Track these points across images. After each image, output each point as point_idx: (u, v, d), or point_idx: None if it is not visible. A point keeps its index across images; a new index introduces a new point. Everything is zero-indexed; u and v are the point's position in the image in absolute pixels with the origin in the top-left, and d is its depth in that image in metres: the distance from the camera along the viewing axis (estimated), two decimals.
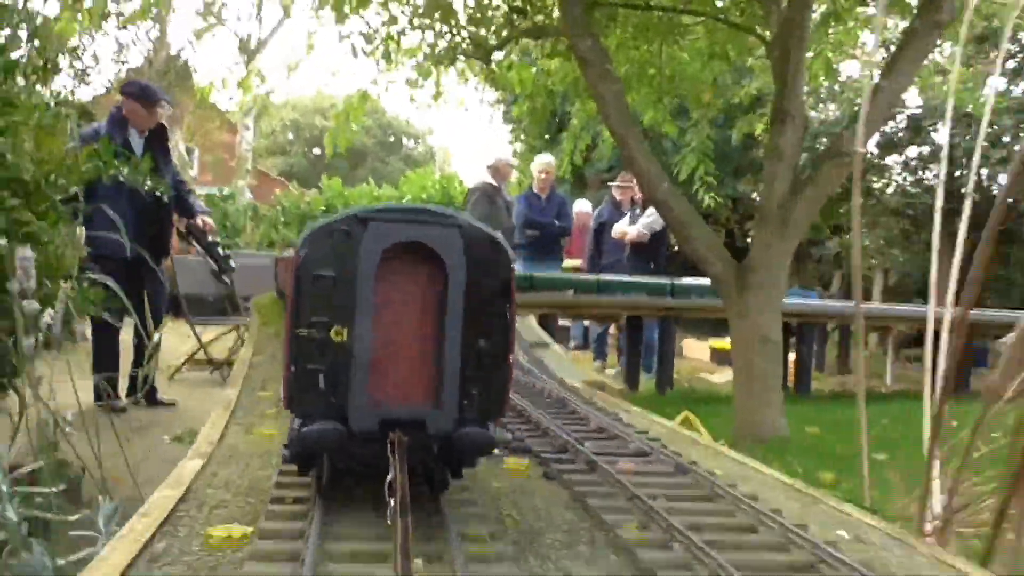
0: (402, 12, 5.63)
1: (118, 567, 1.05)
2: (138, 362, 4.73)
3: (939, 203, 1.88)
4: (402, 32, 5.72)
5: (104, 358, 4.63)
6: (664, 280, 7.43)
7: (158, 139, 5.09)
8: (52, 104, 2.87)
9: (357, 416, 1.17)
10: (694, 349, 11.55)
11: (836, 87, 11.81)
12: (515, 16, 5.61)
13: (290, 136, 41.61)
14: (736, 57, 6.20)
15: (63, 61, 2.90)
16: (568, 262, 9.18)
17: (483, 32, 5.77)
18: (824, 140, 13.15)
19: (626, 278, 7.38)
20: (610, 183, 9.31)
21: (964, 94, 6.85)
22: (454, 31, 5.66)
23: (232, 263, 5.66)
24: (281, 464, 1.48)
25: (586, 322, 9.41)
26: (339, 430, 1.16)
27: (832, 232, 15.50)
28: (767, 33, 5.01)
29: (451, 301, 1.19)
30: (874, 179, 14.87)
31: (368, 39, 5.68)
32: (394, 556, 0.96)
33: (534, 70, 6.27)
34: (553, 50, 5.98)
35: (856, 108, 5.06)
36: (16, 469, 1.76)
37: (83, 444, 2.47)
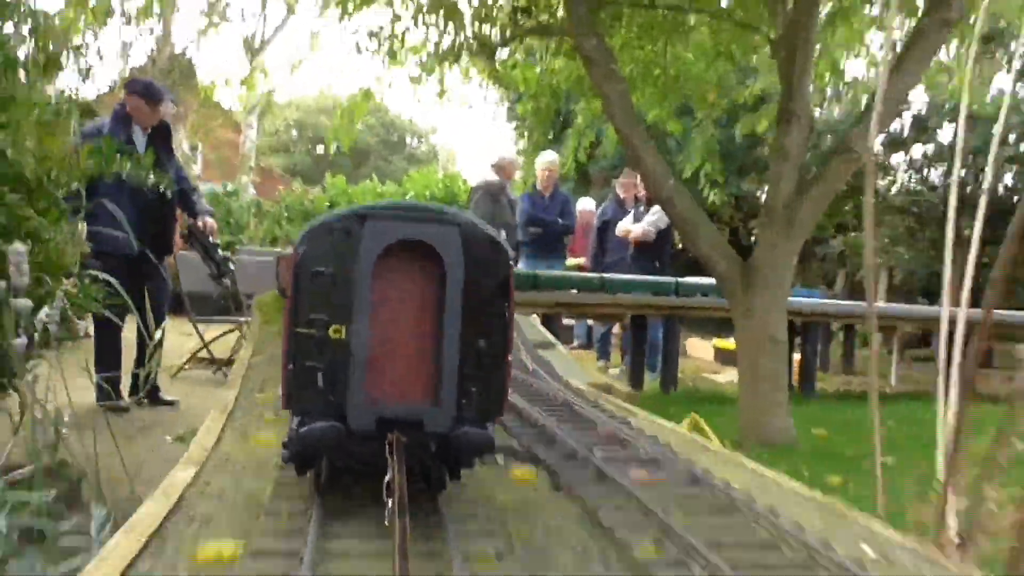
0: (406, 9, 5.61)
1: None
2: (140, 360, 4.70)
3: (953, 200, 1.85)
4: (406, 30, 5.70)
5: (106, 356, 4.61)
6: (669, 279, 7.40)
7: (161, 136, 5.07)
8: (54, 101, 2.86)
9: (355, 414, 1.16)
10: (698, 348, 11.51)
11: (841, 87, 11.76)
12: (520, 14, 5.58)
13: (294, 134, 41.61)
14: (741, 57, 6.17)
15: (67, 59, 2.88)
16: (571, 260, 9.16)
17: (488, 30, 5.74)
18: (828, 139, 13.13)
19: (630, 277, 7.34)
20: (614, 181, 9.28)
21: (972, 94, 6.80)
22: (458, 29, 5.63)
23: (231, 265, 5.63)
24: (277, 471, 1.44)
25: (590, 321, 9.37)
26: (337, 429, 1.16)
27: (836, 231, 15.46)
28: (772, 32, 4.97)
29: (449, 299, 1.19)
30: (879, 178, 14.82)
31: (372, 37, 5.66)
32: (393, 556, 0.96)
33: (538, 69, 6.25)
34: (558, 49, 5.96)
35: (863, 106, 5.01)
36: (13, 471, 1.74)
37: (83, 444, 2.44)
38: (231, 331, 6.59)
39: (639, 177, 7.44)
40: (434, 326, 1.20)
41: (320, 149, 36.29)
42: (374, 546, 1.14)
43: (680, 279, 7.50)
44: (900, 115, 13.26)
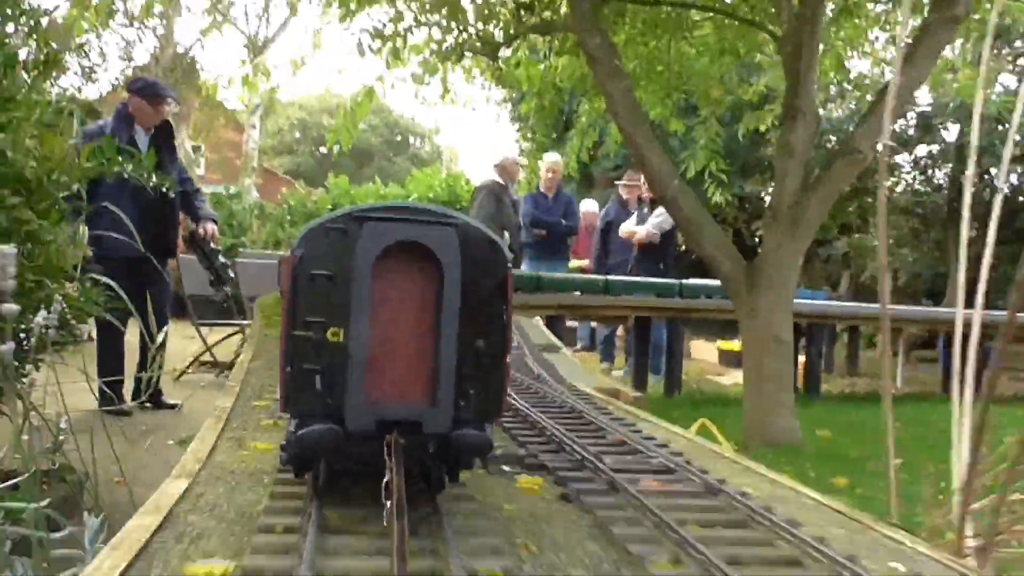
0: (408, 8, 5.58)
1: None
2: (143, 364, 4.68)
3: (967, 199, 1.80)
4: (409, 29, 5.67)
5: (108, 360, 4.59)
6: (673, 281, 7.36)
7: (164, 136, 5.05)
8: (55, 101, 2.83)
9: (353, 416, 1.16)
10: (702, 350, 11.49)
11: (846, 84, 11.72)
12: (523, 12, 5.56)
13: (297, 135, 41.68)
14: (746, 54, 6.15)
15: (70, 59, 2.86)
16: (574, 262, 9.13)
17: (491, 28, 5.72)
18: (832, 138, 13.09)
19: (634, 279, 7.31)
20: (617, 182, 9.25)
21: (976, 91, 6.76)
22: (461, 27, 5.61)
23: (230, 272, 5.60)
24: (273, 481, 1.39)
25: (593, 323, 9.35)
26: (335, 430, 1.16)
27: (840, 232, 15.42)
28: (777, 29, 4.95)
29: (447, 300, 1.19)
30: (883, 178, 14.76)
31: (375, 36, 5.63)
32: (391, 557, 0.95)
33: (542, 67, 6.22)
34: (561, 47, 5.93)
35: (869, 105, 4.98)
36: (11, 478, 1.71)
37: (85, 449, 2.42)
38: (234, 334, 6.58)
39: (643, 177, 7.42)
40: (432, 327, 1.21)
41: (323, 150, 36.33)
42: (374, 553, 1.12)
43: (684, 281, 7.47)
44: (905, 115, 13.22)
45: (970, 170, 1.92)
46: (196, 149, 20.35)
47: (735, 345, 10.18)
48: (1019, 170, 13.37)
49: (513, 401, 2.10)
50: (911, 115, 13.65)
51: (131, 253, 3.88)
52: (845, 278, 16.83)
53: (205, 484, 1.41)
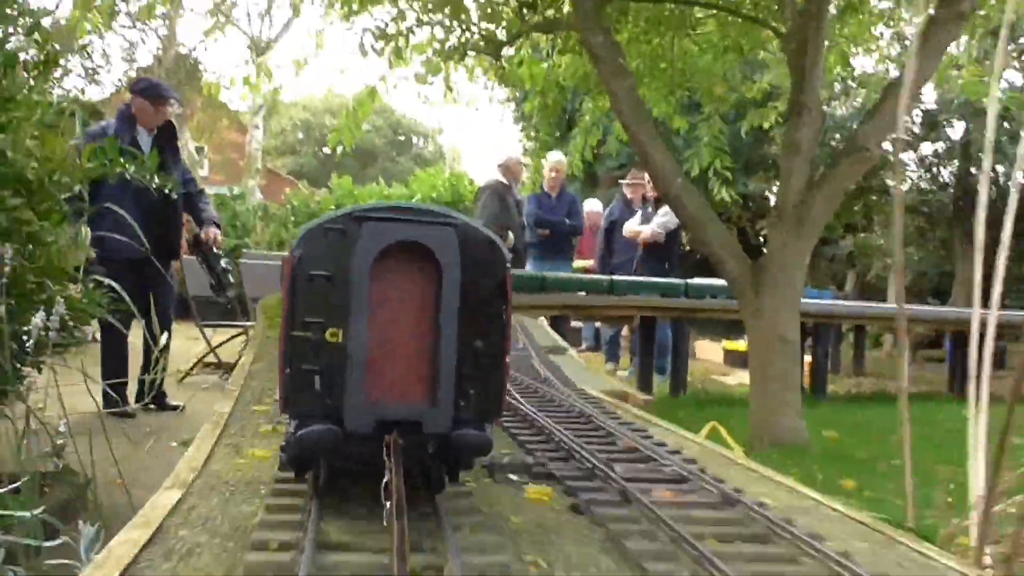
0: (411, 7, 5.56)
1: None
2: (147, 366, 4.67)
3: (983, 198, 1.76)
4: (410, 29, 5.65)
5: (112, 362, 4.58)
6: (678, 280, 7.33)
7: (167, 137, 5.03)
8: (56, 101, 2.82)
9: (353, 416, 1.16)
10: (707, 350, 11.45)
11: (850, 82, 11.68)
12: (526, 11, 5.53)
13: (300, 136, 41.69)
14: (749, 51, 6.11)
15: (73, 60, 2.84)
16: (578, 262, 9.09)
17: (493, 27, 5.69)
18: (836, 136, 13.04)
19: (639, 278, 7.28)
20: (621, 181, 9.22)
21: (982, 88, 6.74)
22: (464, 26, 5.58)
23: (231, 278, 5.60)
24: (270, 492, 1.35)
25: (597, 323, 9.31)
26: (335, 431, 1.16)
27: (845, 231, 15.38)
28: (781, 25, 4.91)
29: (447, 300, 1.20)
30: (889, 176, 14.72)
31: (377, 36, 5.61)
32: (391, 558, 0.94)
33: (545, 66, 6.19)
34: (564, 46, 5.90)
35: (876, 101, 4.94)
36: (14, 481, 1.69)
37: (86, 451, 2.40)
38: (238, 335, 6.56)
39: (647, 176, 7.38)
40: (431, 327, 1.21)
41: (327, 151, 36.35)
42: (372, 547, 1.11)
43: (689, 280, 7.44)
44: (911, 112, 13.15)
45: (986, 165, 1.88)
46: (200, 150, 20.36)
47: (740, 345, 10.14)
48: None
49: (519, 405, 2.06)
50: (916, 113, 13.58)
51: (134, 255, 3.87)
52: (850, 277, 16.78)
53: (199, 495, 1.36)
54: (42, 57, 2.65)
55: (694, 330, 9.71)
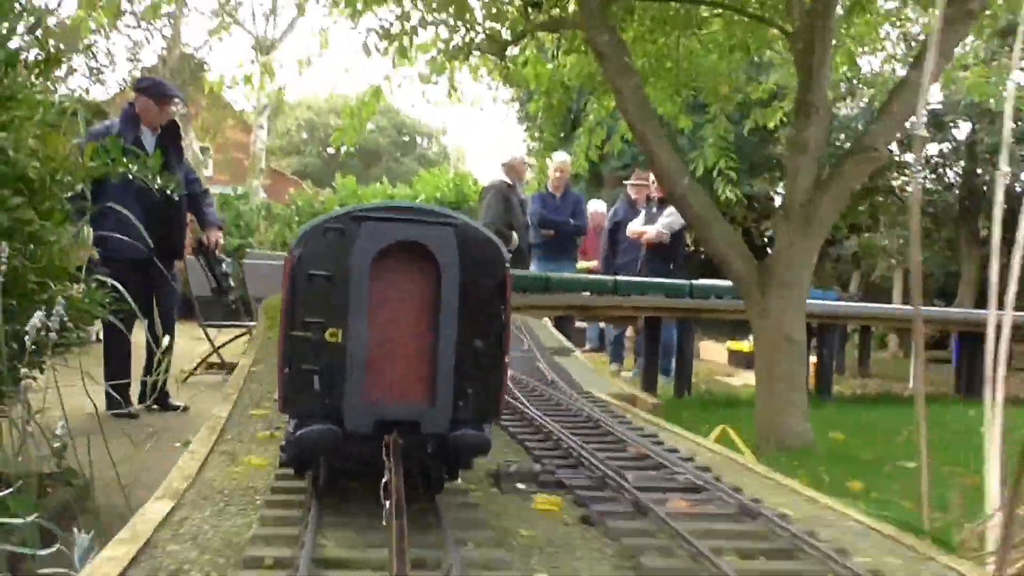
0: (415, 7, 5.54)
1: None
2: (150, 366, 4.66)
3: (999, 196, 1.73)
4: (414, 30, 5.63)
5: (114, 363, 4.57)
6: (683, 281, 7.30)
7: (170, 137, 5.02)
8: (58, 100, 2.80)
9: (352, 416, 1.17)
10: (711, 351, 11.41)
11: (855, 82, 11.64)
12: (531, 10, 5.51)
13: (304, 136, 41.72)
14: (755, 50, 6.08)
15: (78, 60, 2.82)
16: (582, 263, 9.07)
17: (498, 27, 5.67)
18: (841, 136, 12.99)
19: (644, 279, 7.26)
20: (625, 181, 9.19)
21: (988, 89, 6.71)
22: (468, 26, 5.56)
23: (231, 282, 5.62)
24: (265, 503, 1.32)
25: (602, 324, 9.29)
26: (334, 431, 1.16)
27: (850, 232, 15.32)
28: (788, 24, 4.88)
29: (446, 300, 1.20)
30: (893, 177, 14.66)
31: (381, 36, 5.59)
32: (390, 557, 0.93)
33: (550, 66, 6.17)
34: (570, 46, 5.88)
35: (884, 100, 4.90)
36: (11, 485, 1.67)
37: (77, 455, 2.38)
38: (241, 335, 6.55)
39: (652, 175, 7.35)
40: (431, 327, 1.21)
41: (331, 151, 36.39)
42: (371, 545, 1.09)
43: (694, 281, 7.41)
44: (916, 113, 13.10)
45: (1003, 163, 1.85)
46: (204, 150, 20.37)
47: (745, 345, 10.11)
48: None
49: (526, 409, 2.03)
50: (922, 113, 13.51)
51: (137, 254, 3.86)
52: (855, 278, 16.72)
53: (190, 506, 1.31)
54: (44, 56, 2.64)
55: (698, 330, 9.69)
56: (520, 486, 1.49)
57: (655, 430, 2.06)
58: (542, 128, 6.75)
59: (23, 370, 2.12)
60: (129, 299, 2.83)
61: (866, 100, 12.05)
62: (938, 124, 13.54)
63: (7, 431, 2.09)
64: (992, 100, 6.99)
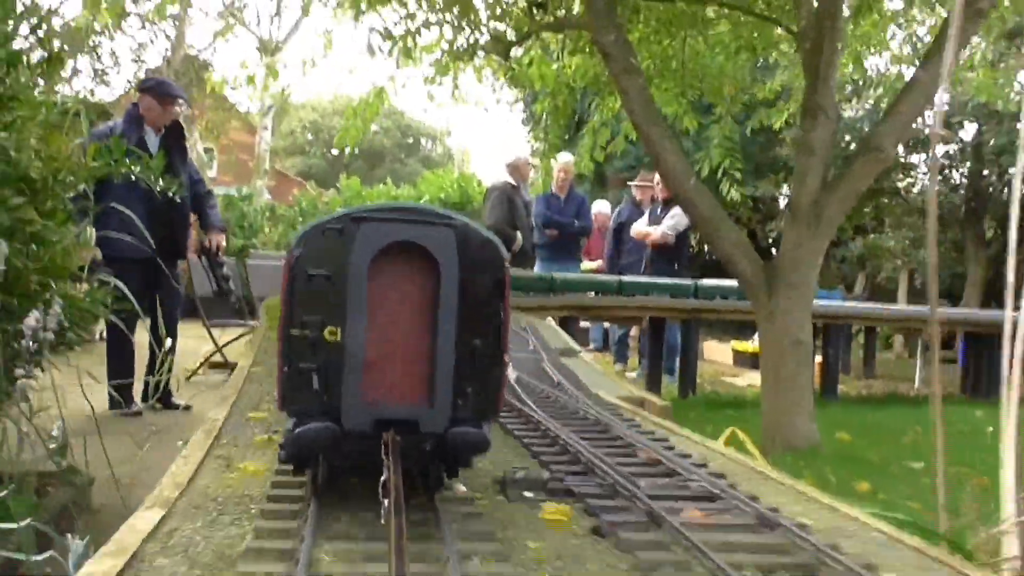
0: (420, 7, 5.53)
1: None
2: (152, 365, 4.65)
3: (1017, 194, 1.69)
4: (417, 31, 5.62)
5: (116, 362, 4.56)
6: (688, 281, 7.28)
7: (174, 137, 5.01)
8: (60, 101, 2.79)
9: (350, 415, 1.17)
10: (715, 351, 11.39)
11: (861, 83, 11.61)
12: (536, 10, 5.49)
13: (309, 137, 41.78)
14: (762, 51, 6.06)
15: (83, 61, 2.82)
16: (586, 264, 9.06)
17: (503, 27, 5.65)
18: (847, 137, 12.96)
19: (649, 279, 7.24)
20: (630, 182, 9.17)
21: (995, 90, 6.68)
22: (473, 26, 5.55)
23: (232, 285, 5.63)
24: (260, 512, 1.28)
25: (606, 324, 9.27)
26: (332, 429, 1.17)
27: (855, 233, 15.29)
28: (795, 25, 4.86)
29: (444, 300, 1.21)
30: (898, 179, 14.63)
31: (385, 36, 5.58)
32: (389, 556, 0.92)
33: (555, 67, 6.15)
34: (575, 47, 5.86)
35: (893, 100, 4.89)
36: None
37: (73, 457, 2.36)
38: (244, 335, 6.54)
39: (658, 176, 7.33)
40: (429, 327, 1.22)
41: (335, 152, 36.44)
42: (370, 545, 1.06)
43: (699, 281, 7.39)
44: (923, 113, 13.05)
45: (1020, 163, 1.82)
46: (208, 151, 20.41)
47: (749, 346, 10.09)
48: None
49: (532, 413, 2.00)
50: (928, 114, 13.48)
51: (139, 254, 3.85)
52: (860, 279, 16.68)
53: (181, 516, 1.25)
54: (47, 56, 2.63)
55: (702, 331, 9.67)
56: (527, 494, 1.44)
57: (665, 434, 2.00)
58: (547, 130, 6.73)
59: (18, 370, 2.10)
60: (132, 299, 2.82)
61: (871, 101, 12.01)
62: (945, 125, 13.51)
63: (3, 431, 2.08)
64: (1000, 101, 6.96)
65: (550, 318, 5.41)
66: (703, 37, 5.90)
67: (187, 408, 4.82)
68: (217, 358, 6.36)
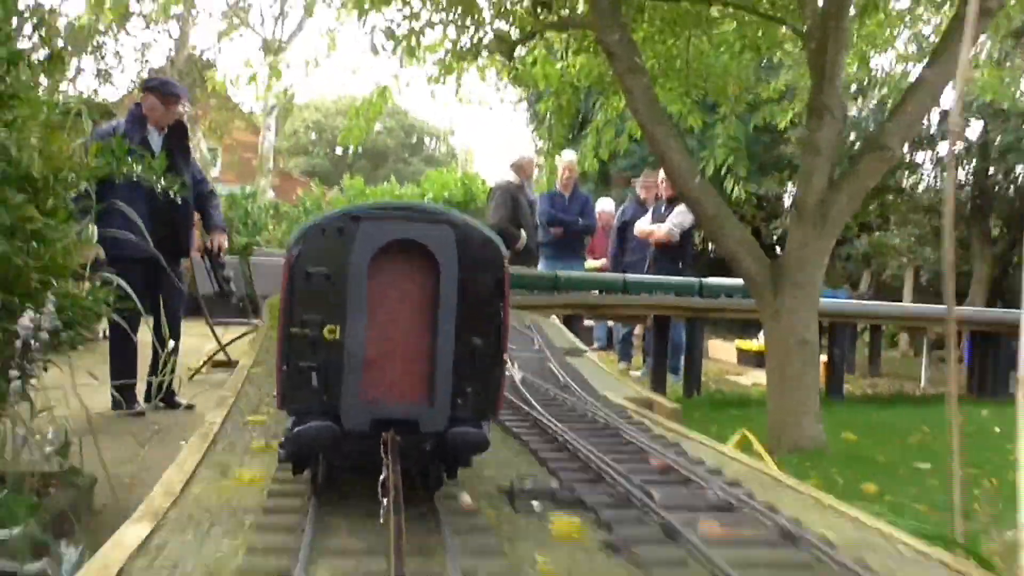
0: (424, 7, 5.51)
1: None
2: (155, 365, 4.64)
3: None
4: (421, 30, 5.61)
5: (119, 362, 4.56)
6: (692, 280, 7.26)
7: (177, 137, 5.00)
8: (62, 100, 2.79)
9: (350, 414, 1.17)
10: (719, 350, 11.36)
11: (866, 82, 11.57)
12: (540, 9, 5.47)
13: (312, 136, 41.80)
14: (767, 50, 6.04)
15: (86, 60, 2.81)
16: (590, 262, 9.04)
17: (507, 26, 5.64)
18: (852, 135, 12.92)
19: (653, 278, 7.23)
20: (634, 180, 9.16)
21: (1001, 89, 6.65)
22: (477, 25, 5.53)
23: (233, 286, 5.64)
24: (255, 524, 1.23)
25: (610, 322, 9.26)
26: (332, 428, 1.17)
27: (860, 231, 15.24)
28: (801, 24, 4.84)
29: (444, 299, 1.21)
30: (903, 177, 14.58)
31: (389, 36, 5.57)
32: (388, 555, 0.92)
33: (559, 66, 6.14)
34: (579, 46, 5.85)
35: (899, 99, 4.86)
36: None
37: (93, 451, 2.36)
38: (248, 333, 6.54)
39: (662, 175, 7.31)
40: (429, 325, 1.22)
41: (339, 151, 36.45)
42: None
43: (704, 280, 7.36)
44: (929, 112, 13.02)
45: None
46: (212, 151, 20.43)
47: (754, 344, 10.06)
48: None
49: (539, 416, 1.97)
50: (933, 113, 13.43)
51: (142, 254, 3.85)
52: (866, 277, 16.63)
53: (171, 529, 1.19)
54: (49, 55, 2.62)
55: (706, 329, 9.65)
56: (535, 505, 1.39)
57: (676, 438, 1.94)
58: (551, 128, 6.72)
59: (12, 371, 2.09)
60: (134, 297, 2.81)
61: (876, 100, 11.98)
62: None
63: (3, 432, 2.07)
64: (1006, 100, 6.93)
65: (554, 316, 5.38)
66: (707, 36, 5.88)
67: (190, 407, 4.82)
68: (220, 356, 6.36)
